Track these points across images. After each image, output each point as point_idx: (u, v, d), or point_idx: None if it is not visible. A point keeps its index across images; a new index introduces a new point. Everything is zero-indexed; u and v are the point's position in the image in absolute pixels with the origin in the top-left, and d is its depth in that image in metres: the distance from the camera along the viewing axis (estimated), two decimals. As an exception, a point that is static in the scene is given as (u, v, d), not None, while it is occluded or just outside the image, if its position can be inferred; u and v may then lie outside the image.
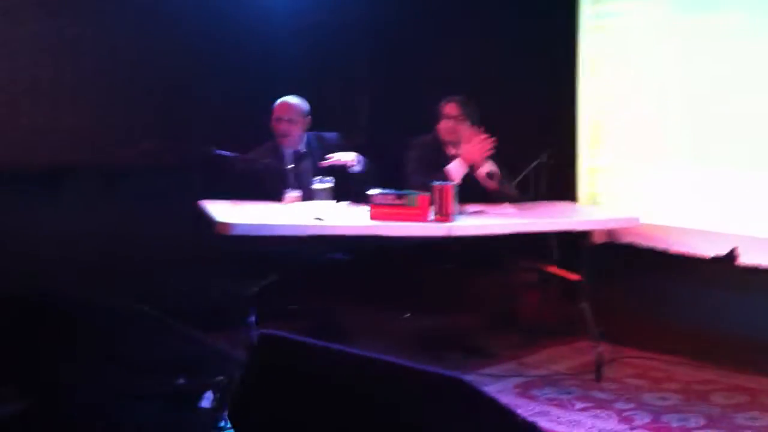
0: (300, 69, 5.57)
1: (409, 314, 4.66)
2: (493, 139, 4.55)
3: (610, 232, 5.05)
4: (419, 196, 4.01)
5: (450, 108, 4.75)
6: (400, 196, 4.02)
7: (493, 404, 2.17)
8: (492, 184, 4.61)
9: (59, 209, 4.80)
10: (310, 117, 4.78)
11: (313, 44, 5.71)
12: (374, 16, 5.86)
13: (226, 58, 5.42)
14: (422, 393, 2.12)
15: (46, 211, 4.75)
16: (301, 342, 2.41)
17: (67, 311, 3.01)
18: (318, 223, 3.91)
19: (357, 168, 4.60)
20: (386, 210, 4.01)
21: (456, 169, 4.56)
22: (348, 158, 4.59)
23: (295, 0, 5.61)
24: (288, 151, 4.73)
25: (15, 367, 2.90)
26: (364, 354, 2.32)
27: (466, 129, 4.70)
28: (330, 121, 4.98)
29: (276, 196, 4.43)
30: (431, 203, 4.03)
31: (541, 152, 4.89)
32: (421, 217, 4.00)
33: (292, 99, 4.76)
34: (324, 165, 4.55)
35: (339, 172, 4.54)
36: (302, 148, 4.77)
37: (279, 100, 4.76)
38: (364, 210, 4.11)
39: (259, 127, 4.89)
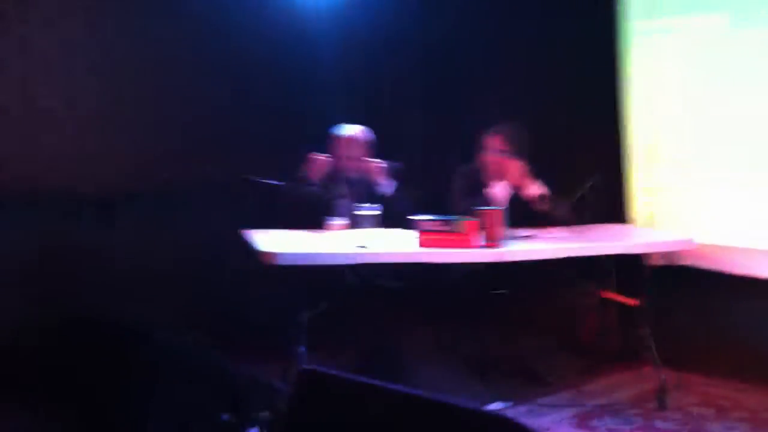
0: (351, 91, 5.52)
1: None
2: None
3: (667, 255, 4.87)
4: (467, 222, 3.91)
5: (495, 142, 4.65)
6: (447, 222, 3.92)
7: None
8: (544, 207, 4.50)
9: (111, 235, 4.80)
10: (372, 146, 4.70)
11: (365, 66, 5.66)
12: (426, 38, 5.81)
13: (277, 81, 5.41)
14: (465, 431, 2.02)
15: (98, 236, 4.76)
16: (341, 378, 2.33)
17: (119, 343, 2.97)
18: (362, 251, 3.82)
19: (387, 190, 4.51)
20: (434, 236, 3.91)
21: (500, 192, 4.45)
22: (377, 165, 4.46)
23: (346, 20, 5.58)
24: (346, 178, 4.65)
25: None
26: (406, 391, 2.23)
27: (511, 163, 4.60)
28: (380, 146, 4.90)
29: (320, 222, 4.35)
30: (479, 228, 3.92)
31: (593, 174, 4.76)
32: (470, 243, 3.90)
33: (357, 133, 4.68)
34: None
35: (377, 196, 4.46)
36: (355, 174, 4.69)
37: (344, 132, 4.66)
38: (410, 236, 4.02)
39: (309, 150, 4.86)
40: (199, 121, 5.19)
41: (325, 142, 4.74)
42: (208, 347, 2.69)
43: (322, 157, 4.45)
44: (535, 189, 4.50)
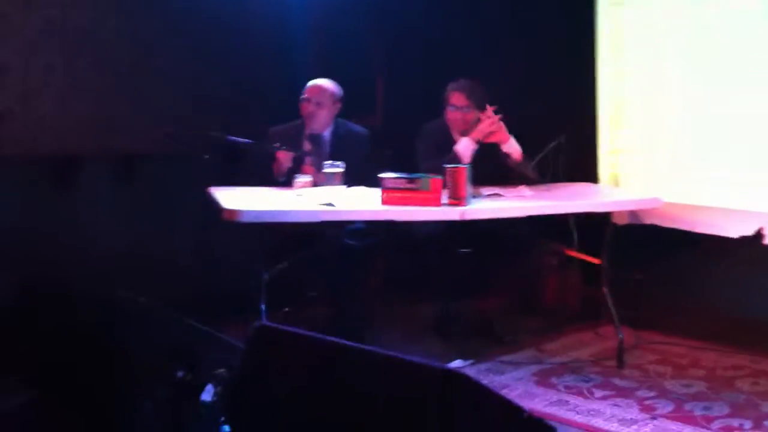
0: (315, 53, 5.49)
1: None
2: (500, 115, 4.44)
3: (632, 214, 4.90)
4: (432, 180, 3.90)
5: (456, 98, 4.60)
6: (412, 180, 3.91)
7: (497, 399, 2.09)
8: (511, 163, 4.49)
9: (70, 198, 4.77)
10: (340, 103, 4.64)
11: (329, 28, 5.63)
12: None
13: (240, 43, 5.40)
14: (424, 388, 2.04)
15: (58, 201, 4.73)
16: (295, 333, 2.34)
17: (69, 302, 2.96)
18: (327, 208, 3.81)
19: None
20: (398, 194, 3.90)
21: (464, 147, 4.45)
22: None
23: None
24: (308, 134, 4.60)
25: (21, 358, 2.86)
26: (361, 347, 2.25)
27: (474, 116, 4.57)
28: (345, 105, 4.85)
29: (288, 180, 4.33)
30: (444, 186, 3.92)
31: (560, 133, 4.76)
32: (434, 201, 3.89)
33: (325, 82, 4.62)
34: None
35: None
36: (327, 133, 4.63)
37: (311, 81, 4.62)
38: (376, 194, 4.00)
39: (273, 112, 4.82)
40: (164, 81, 5.18)
41: (291, 102, 4.71)
42: (163, 306, 2.68)
43: (286, 154, 4.42)
44: (508, 145, 4.48)
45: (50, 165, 4.77)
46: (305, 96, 4.58)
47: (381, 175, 3.96)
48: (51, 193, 4.74)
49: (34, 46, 4.79)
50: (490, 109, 4.45)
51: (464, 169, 3.93)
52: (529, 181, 4.52)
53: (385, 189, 3.92)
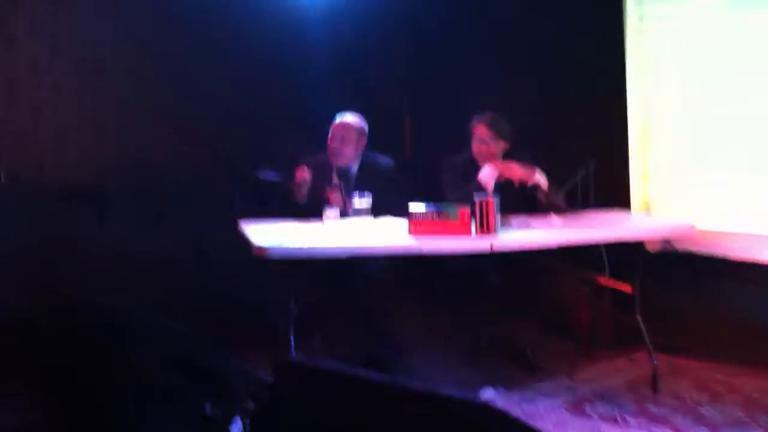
0: (341, 86, 5.57)
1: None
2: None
3: (665, 241, 4.87)
4: (460, 209, 3.92)
5: (480, 129, 4.67)
6: (440, 211, 3.93)
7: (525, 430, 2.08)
8: (540, 194, 4.51)
9: (104, 229, 4.88)
10: (365, 138, 4.71)
11: (354, 62, 5.70)
12: (415, 28, 5.83)
13: (273, 77, 5.50)
14: (447, 421, 2.04)
15: (92, 231, 4.84)
16: (325, 369, 2.35)
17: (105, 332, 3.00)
18: (355, 243, 3.84)
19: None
20: (427, 225, 3.92)
21: (487, 175, 4.49)
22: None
23: (334, 15, 5.63)
24: (336, 168, 4.66)
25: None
26: (386, 380, 2.25)
27: (499, 148, 4.64)
28: (372, 138, 4.90)
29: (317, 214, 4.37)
30: (472, 216, 3.94)
31: (590, 160, 4.76)
32: (464, 231, 3.91)
33: (350, 118, 4.70)
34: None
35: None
36: (354, 166, 4.69)
37: (337, 118, 4.70)
38: (404, 224, 4.00)
39: (302, 144, 4.88)
40: (193, 114, 5.30)
41: (319, 134, 4.77)
42: (193, 335, 2.71)
43: (305, 174, 4.49)
44: (534, 177, 4.50)
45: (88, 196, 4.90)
46: (331, 134, 4.65)
47: (410, 206, 3.98)
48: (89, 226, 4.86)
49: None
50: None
51: (493, 201, 3.95)
52: (558, 210, 4.53)
53: (412, 219, 3.94)
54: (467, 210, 3.93)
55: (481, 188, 4.29)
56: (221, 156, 5.07)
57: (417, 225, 3.93)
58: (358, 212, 4.16)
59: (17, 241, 4.57)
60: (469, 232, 3.93)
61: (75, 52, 5.02)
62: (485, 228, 3.93)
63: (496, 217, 3.94)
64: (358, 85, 5.72)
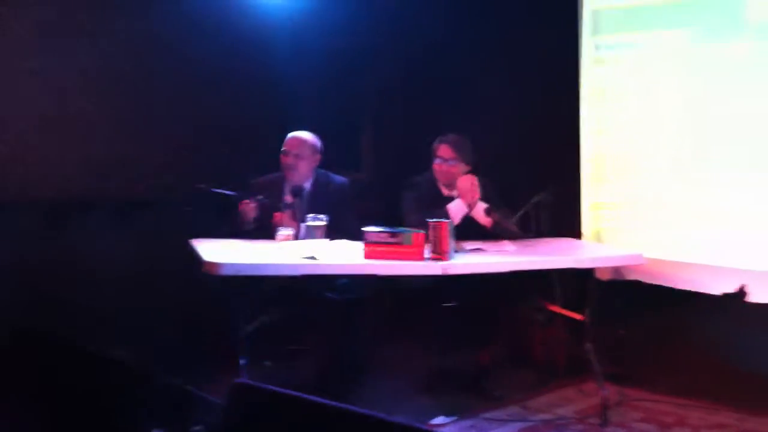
0: (306, 104, 5.53)
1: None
2: (477, 179, 4.52)
3: (615, 270, 4.89)
4: (414, 234, 3.88)
5: (443, 150, 4.69)
6: (394, 234, 3.89)
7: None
8: (489, 221, 4.51)
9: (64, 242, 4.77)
10: (320, 155, 4.67)
11: (320, 79, 5.67)
12: (378, 51, 5.81)
13: (227, 95, 5.45)
14: None
15: (53, 243, 4.73)
16: (277, 392, 2.29)
17: (53, 354, 2.90)
18: (309, 262, 3.78)
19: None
20: (381, 248, 3.88)
21: (456, 209, 4.51)
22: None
23: (304, 30, 5.63)
24: (289, 186, 4.61)
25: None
26: (344, 407, 2.20)
27: (460, 170, 4.65)
28: (333, 158, 4.85)
29: (271, 233, 4.30)
30: (427, 241, 3.90)
31: (543, 188, 4.77)
32: (417, 256, 3.87)
33: (304, 134, 4.65)
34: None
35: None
36: (307, 184, 4.65)
37: (291, 134, 4.65)
38: (358, 248, 3.97)
39: (258, 163, 4.83)
40: (158, 129, 5.24)
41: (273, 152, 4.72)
42: (140, 360, 2.62)
43: (251, 203, 4.43)
44: (480, 205, 4.52)
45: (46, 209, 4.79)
46: (285, 149, 4.59)
47: (364, 229, 3.94)
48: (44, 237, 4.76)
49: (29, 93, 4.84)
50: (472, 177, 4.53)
51: (447, 224, 3.92)
52: (511, 236, 4.53)
53: (367, 243, 3.90)
54: (422, 234, 3.89)
55: (446, 216, 4.24)
56: (178, 171, 4.99)
57: (372, 248, 3.88)
58: (312, 233, 4.08)
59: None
60: (422, 257, 3.89)
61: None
62: (438, 251, 3.89)
63: (449, 241, 3.91)
64: (317, 102, 5.67)
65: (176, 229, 4.52)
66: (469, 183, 4.53)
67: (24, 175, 4.86)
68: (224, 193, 4.40)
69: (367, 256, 3.88)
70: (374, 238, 3.90)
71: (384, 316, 4.68)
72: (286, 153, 4.60)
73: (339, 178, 4.75)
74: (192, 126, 5.32)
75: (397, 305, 4.53)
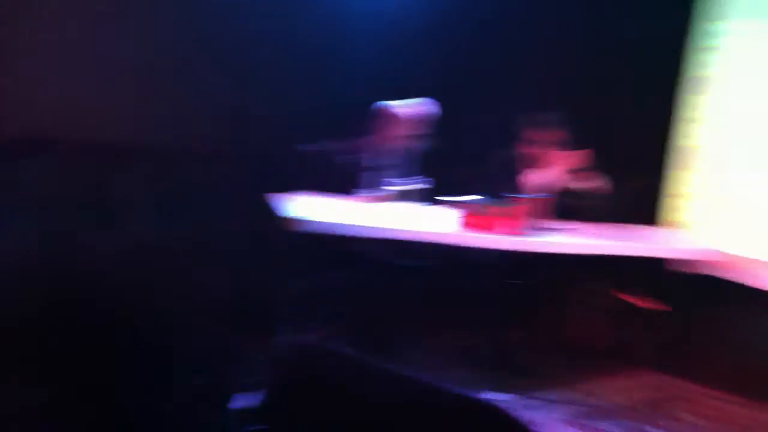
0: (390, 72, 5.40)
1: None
2: (583, 154, 4.42)
3: (689, 261, 4.91)
4: (517, 206, 3.91)
5: (535, 134, 4.57)
6: (492, 204, 3.91)
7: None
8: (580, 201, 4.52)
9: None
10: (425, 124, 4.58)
11: (404, 49, 5.49)
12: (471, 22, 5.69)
13: (312, 60, 5.35)
14: (453, 418, 2.07)
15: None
16: (329, 352, 2.35)
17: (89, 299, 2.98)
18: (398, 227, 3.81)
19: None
20: (478, 219, 3.89)
21: (533, 184, 4.45)
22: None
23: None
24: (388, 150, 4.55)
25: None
26: (397, 372, 2.27)
27: (550, 155, 4.55)
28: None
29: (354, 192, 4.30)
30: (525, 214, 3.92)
31: (632, 174, 4.76)
32: (515, 228, 3.89)
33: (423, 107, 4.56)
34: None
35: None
36: (407, 151, 4.60)
37: (398, 111, 4.55)
38: (447, 216, 3.97)
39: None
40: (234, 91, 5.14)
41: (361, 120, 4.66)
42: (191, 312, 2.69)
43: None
44: (583, 181, 4.47)
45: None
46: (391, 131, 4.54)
47: (461, 198, 3.96)
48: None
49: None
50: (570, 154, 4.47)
51: (538, 200, 3.99)
52: (592, 218, 4.52)
53: (467, 213, 3.91)
54: (524, 207, 3.93)
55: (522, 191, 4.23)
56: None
57: (470, 218, 3.90)
58: (409, 196, 4.12)
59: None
60: (523, 228, 3.90)
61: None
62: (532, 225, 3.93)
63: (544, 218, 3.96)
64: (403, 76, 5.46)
65: (254, 184, 4.54)
66: (563, 156, 4.49)
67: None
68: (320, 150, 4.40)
69: (466, 225, 3.89)
70: (471, 208, 3.92)
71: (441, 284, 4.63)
72: (388, 132, 4.51)
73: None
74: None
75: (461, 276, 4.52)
